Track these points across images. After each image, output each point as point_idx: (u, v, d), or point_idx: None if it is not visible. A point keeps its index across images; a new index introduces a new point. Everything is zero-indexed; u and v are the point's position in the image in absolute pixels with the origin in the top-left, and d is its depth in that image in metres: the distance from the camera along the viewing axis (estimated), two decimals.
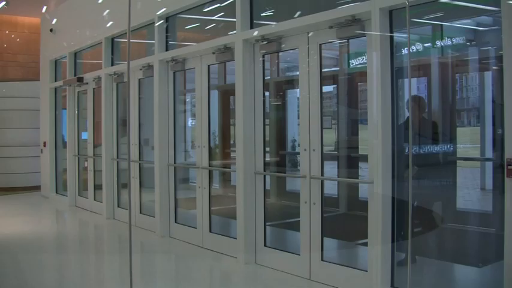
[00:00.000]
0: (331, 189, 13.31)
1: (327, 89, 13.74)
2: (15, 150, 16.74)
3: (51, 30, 14.72)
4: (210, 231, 8.73)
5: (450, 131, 7.12)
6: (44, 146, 15.39)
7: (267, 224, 7.77)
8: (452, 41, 6.62)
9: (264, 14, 7.90)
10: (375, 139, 5.94)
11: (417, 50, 6.70)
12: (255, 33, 7.60)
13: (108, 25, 11.54)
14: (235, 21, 7.89)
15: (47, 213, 13.64)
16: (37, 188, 16.20)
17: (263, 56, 7.78)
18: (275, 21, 7.48)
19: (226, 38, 8.24)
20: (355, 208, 11.04)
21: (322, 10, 6.61)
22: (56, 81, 14.87)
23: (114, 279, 7.43)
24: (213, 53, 8.50)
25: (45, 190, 15.42)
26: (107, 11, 11.75)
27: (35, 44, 17.66)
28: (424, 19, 6.19)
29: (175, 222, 9.63)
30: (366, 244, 7.84)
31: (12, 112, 16.80)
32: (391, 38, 5.92)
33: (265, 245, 7.66)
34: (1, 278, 7.35)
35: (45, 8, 16.04)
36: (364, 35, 6.25)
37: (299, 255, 7.06)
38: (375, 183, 5.92)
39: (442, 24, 6.52)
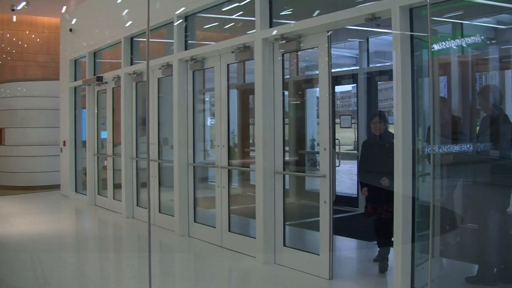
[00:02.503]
0: (350, 189, 13.28)
1: (347, 88, 13.76)
2: (35, 149, 16.89)
3: (70, 30, 14.79)
4: (229, 231, 8.72)
5: (470, 130, 7.05)
6: (64, 145, 15.47)
7: (286, 223, 7.74)
8: (472, 40, 6.55)
9: (283, 13, 7.88)
10: (395, 139, 5.89)
11: (437, 48, 6.63)
12: (274, 32, 7.58)
13: (127, 24, 11.57)
14: (254, 20, 7.87)
15: (66, 212, 13.71)
16: (57, 186, 16.30)
17: (282, 55, 7.75)
18: (294, 20, 7.44)
19: (245, 37, 8.22)
20: None
21: (342, 8, 6.57)
22: (75, 80, 14.94)
23: (133, 278, 7.44)
24: (232, 52, 8.49)
25: (65, 189, 15.51)
26: (126, 10, 11.79)
27: (55, 44, 17.80)
28: (444, 17, 6.13)
29: (195, 221, 9.63)
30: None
31: (33, 111, 16.94)
32: (412, 36, 5.86)
33: (284, 245, 7.63)
34: (22, 275, 7.40)
35: (64, 8, 16.14)
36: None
37: (318, 255, 7.03)
38: (396, 183, 5.87)
39: (462, 23, 6.46)
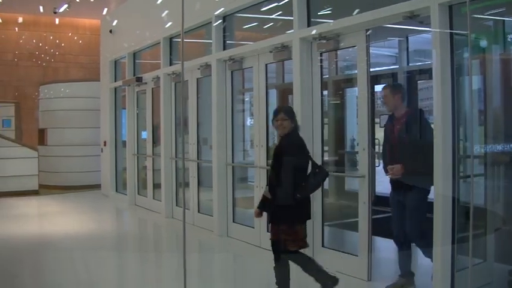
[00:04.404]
0: (390, 189, 13.06)
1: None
2: (77, 149, 17.11)
3: (110, 31, 14.93)
4: (268, 231, 8.68)
5: None
6: (105, 145, 15.65)
7: (325, 224, 7.68)
8: None
9: (321, 12, 7.82)
10: (435, 139, 5.80)
11: (478, 46, 6.50)
12: (313, 31, 7.53)
13: (167, 25, 11.63)
14: (292, 20, 7.84)
15: (107, 212, 13.89)
16: (98, 186, 16.49)
17: (321, 55, 7.70)
18: (332, 19, 7.38)
19: (283, 36, 8.20)
20: None
21: (380, 7, 6.49)
22: (115, 81, 15.11)
23: (171, 278, 7.46)
24: (271, 51, 8.47)
25: (106, 188, 15.69)
26: (166, 11, 11.85)
27: (96, 45, 18.02)
28: (485, 15, 6.02)
29: (233, 221, 9.63)
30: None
31: (74, 112, 17.16)
32: (451, 34, 5.76)
33: (323, 246, 7.57)
34: (64, 274, 7.50)
35: (105, 10, 16.33)
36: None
37: (357, 256, 6.96)
38: (435, 184, 5.77)
39: (504, 20, 6.32)
